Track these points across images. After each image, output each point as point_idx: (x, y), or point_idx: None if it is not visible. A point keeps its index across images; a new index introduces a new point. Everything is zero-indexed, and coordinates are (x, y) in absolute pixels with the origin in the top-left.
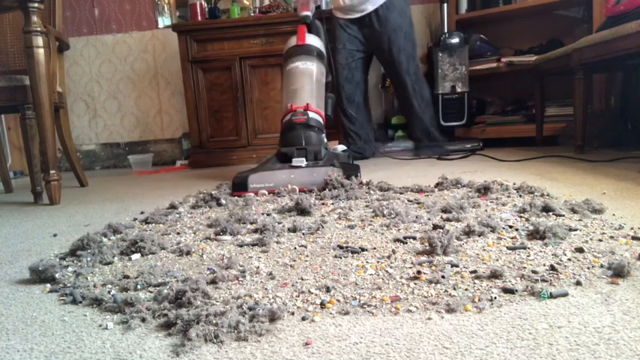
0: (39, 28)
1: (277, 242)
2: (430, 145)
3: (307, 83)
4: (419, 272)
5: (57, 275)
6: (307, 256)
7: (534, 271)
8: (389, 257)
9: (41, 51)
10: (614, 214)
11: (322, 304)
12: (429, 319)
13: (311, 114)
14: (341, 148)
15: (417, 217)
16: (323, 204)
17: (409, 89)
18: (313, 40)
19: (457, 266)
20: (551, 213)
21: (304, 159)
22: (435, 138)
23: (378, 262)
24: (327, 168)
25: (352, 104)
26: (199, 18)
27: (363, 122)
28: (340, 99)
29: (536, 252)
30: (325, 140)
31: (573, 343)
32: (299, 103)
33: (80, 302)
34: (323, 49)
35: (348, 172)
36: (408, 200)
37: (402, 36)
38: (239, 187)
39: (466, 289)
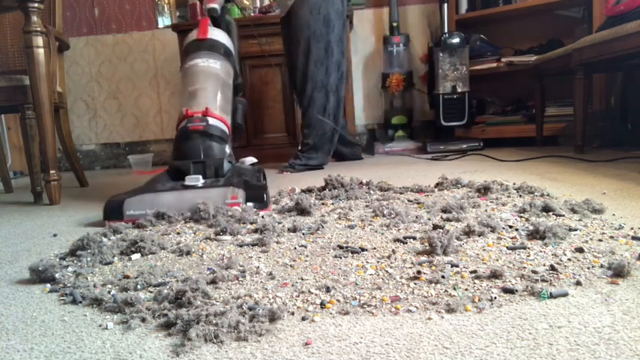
0: (39, 28)
1: (277, 242)
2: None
3: (209, 84)
4: (419, 272)
5: (57, 275)
6: (307, 256)
7: (534, 271)
8: (389, 257)
9: (41, 51)
10: (614, 214)
11: (322, 304)
12: (429, 319)
13: (212, 120)
14: (249, 160)
15: (417, 217)
16: (323, 204)
17: (302, 97)
18: (218, 35)
19: (457, 266)
20: (551, 213)
21: (201, 176)
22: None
23: (378, 262)
24: (226, 189)
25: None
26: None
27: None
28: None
29: (536, 252)
30: (229, 152)
31: (573, 343)
32: (197, 108)
33: (80, 302)
34: (231, 47)
35: (252, 193)
36: (408, 200)
37: (310, 34)
38: (111, 214)
39: (466, 289)
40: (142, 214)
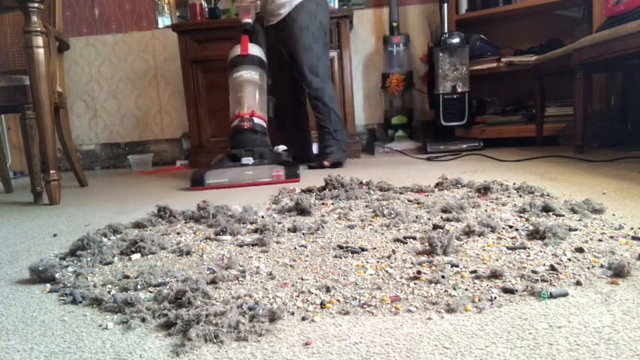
0: (39, 28)
1: (277, 242)
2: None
3: (252, 91)
4: (419, 272)
5: (57, 275)
6: (307, 256)
7: (534, 271)
8: (389, 257)
9: (41, 51)
10: (614, 214)
11: (322, 304)
12: (429, 319)
13: (256, 119)
14: (282, 148)
15: (417, 217)
16: (323, 204)
17: (312, 89)
18: (255, 50)
19: (457, 266)
20: (551, 213)
21: (251, 158)
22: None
23: (378, 262)
24: (272, 166)
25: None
26: (199, 18)
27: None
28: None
29: (536, 252)
30: (268, 142)
31: (573, 343)
32: (245, 110)
33: (80, 302)
34: (264, 57)
35: (290, 170)
36: (408, 200)
37: (309, 35)
38: (196, 182)
39: (466, 289)
40: (217, 182)
